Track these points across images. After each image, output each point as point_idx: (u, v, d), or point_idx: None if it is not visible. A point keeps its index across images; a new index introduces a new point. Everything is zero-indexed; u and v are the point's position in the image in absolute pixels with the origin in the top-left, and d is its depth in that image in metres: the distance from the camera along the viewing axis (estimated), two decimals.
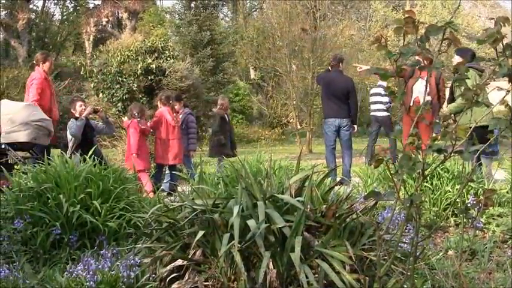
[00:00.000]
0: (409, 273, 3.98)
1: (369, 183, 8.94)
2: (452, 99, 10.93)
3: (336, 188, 6.24)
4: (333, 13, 35.62)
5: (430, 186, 8.11)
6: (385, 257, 4.65)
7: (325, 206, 5.15)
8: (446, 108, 11.09)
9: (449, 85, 11.73)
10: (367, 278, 4.59)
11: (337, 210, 5.05)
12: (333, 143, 13.54)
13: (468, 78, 3.68)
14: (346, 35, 34.40)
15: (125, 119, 12.73)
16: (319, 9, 31.34)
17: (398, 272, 4.59)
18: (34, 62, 12.57)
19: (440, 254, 6.15)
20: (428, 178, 7.94)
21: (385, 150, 3.58)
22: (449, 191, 8.06)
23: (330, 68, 14.14)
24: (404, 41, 3.57)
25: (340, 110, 13.42)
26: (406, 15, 3.49)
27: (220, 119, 15.37)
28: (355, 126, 13.76)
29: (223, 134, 15.20)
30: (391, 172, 3.69)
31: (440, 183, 8.17)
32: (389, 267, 4.30)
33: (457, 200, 7.47)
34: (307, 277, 4.45)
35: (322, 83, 14.15)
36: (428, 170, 3.67)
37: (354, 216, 5.10)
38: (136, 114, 12.17)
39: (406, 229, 5.66)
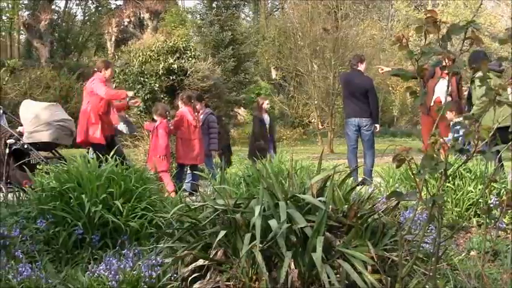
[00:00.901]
0: (431, 274, 3.96)
1: (391, 184, 8.90)
2: (470, 103, 10.85)
3: (358, 188, 6.23)
4: (355, 13, 35.46)
5: (453, 187, 8.07)
6: (407, 258, 4.63)
7: (346, 206, 5.14)
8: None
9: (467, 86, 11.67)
10: (389, 278, 4.58)
11: (359, 210, 5.03)
12: (354, 143, 13.51)
13: (490, 78, 3.65)
14: (367, 34, 34.33)
15: (147, 123, 12.69)
16: (341, 9, 31.28)
17: (420, 273, 4.58)
18: (95, 69, 12.67)
19: (463, 254, 6.12)
20: (450, 178, 7.90)
21: (407, 150, 3.57)
22: (472, 191, 8.01)
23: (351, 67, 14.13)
24: (425, 40, 3.55)
25: (360, 110, 13.37)
26: (428, 15, 3.47)
27: (259, 121, 15.34)
28: (377, 126, 13.70)
29: (262, 138, 15.17)
30: (413, 172, 3.67)
31: (463, 184, 8.13)
32: (412, 268, 4.28)
33: (480, 200, 7.43)
34: (328, 277, 4.45)
35: (342, 83, 14.16)
36: (451, 170, 3.65)
37: (376, 216, 5.09)
38: (166, 113, 12.18)
39: (428, 229, 5.64)
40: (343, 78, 14.33)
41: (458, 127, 11.75)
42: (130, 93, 12.23)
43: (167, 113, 12.21)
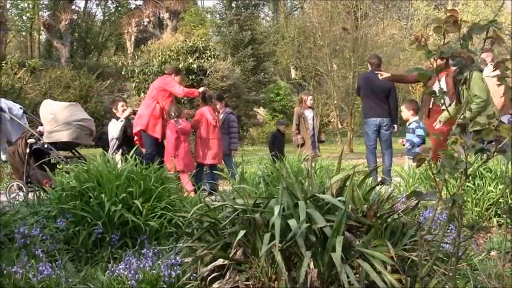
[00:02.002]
0: (451, 274, 3.95)
1: (411, 183, 8.87)
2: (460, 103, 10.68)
3: (378, 187, 6.21)
4: (374, 12, 35.46)
5: (473, 186, 8.03)
6: (427, 258, 4.61)
7: (366, 205, 5.12)
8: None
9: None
10: (409, 278, 4.56)
11: (379, 210, 5.02)
12: (374, 143, 13.46)
13: (508, 77, 3.63)
14: (387, 34, 34.24)
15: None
16: (360, 9, 31.27)
17: (440, 273, 4.56)
18: (166, 72, 13.19)
19: (483, 254, 6.09)
20: (470, 178, 7.86)
21: (428, 150, 3.56)
22: (492, 191, 7.97)
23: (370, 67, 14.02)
24: (444, 39, 3.54)
25: (381, 110, 13.32)
26: (449, 14, 3.46)
27: (298, 117, 15.22)
28: (395, 126, 13.66)
29: (302, 133, 15.08)
30: (433, 172, 3.66)
31: (483, 183, 8.08)
32: (431, 268, 4.27)
33: (500, 200, 7.39)
34: (348, 277, 4.43)
35: (363, 83, 14.03)
36: (471, 169, 3.64)
37: (396, 216, 5.07)
38: (172, 114, 12.12)
39: (448, 229, 5.62)
40: (364, 77, 14.22)
41: (414, 127, 11.58)
42: (201, 89, 12.67)
43: (172, 114, 12.14)
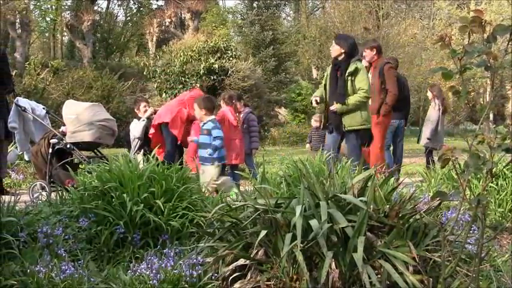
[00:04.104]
0: (474, 275, 3.92)
1: (433, 184, 8.84)
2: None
3: (399, 188, 6.19)
4: (396, 12, 35.38)
5: (496, 187, 7.98)
6: (449, 258, 4.59)
7: (388, 206, 5.10)
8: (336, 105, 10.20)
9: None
10: (431, 279, 4.54)
11: (401, 210, 5.00)
12: (391, 143, 13.45)
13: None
14: (409, 33, 34.16)
15: None
16: (382, 8, 31.21)
17: (462, 274, 4.53)
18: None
19: (506, 255, 6.05)
20: (493, 178, 7.81)
21: (452, 149, 3.54)
22: None
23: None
24: (469, 40, 3.51)
25: (403, 112, 13.35)
26: (474, 15, 3.43)
27: None
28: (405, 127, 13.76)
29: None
30: (458, 172, 3.64)
31: (506, 184, 8.04)
32: (454, 269, 4.24)
33: None
34: (369, 277, 4.42)
35: (402, 86, 13.85)
36: (495, 169, 3.61)
37: (418, 216, 5.05)
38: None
39: (470, 230, 5.59)
40: (403, 80, 13.95)
41: (210, 127, 10.67)
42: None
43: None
